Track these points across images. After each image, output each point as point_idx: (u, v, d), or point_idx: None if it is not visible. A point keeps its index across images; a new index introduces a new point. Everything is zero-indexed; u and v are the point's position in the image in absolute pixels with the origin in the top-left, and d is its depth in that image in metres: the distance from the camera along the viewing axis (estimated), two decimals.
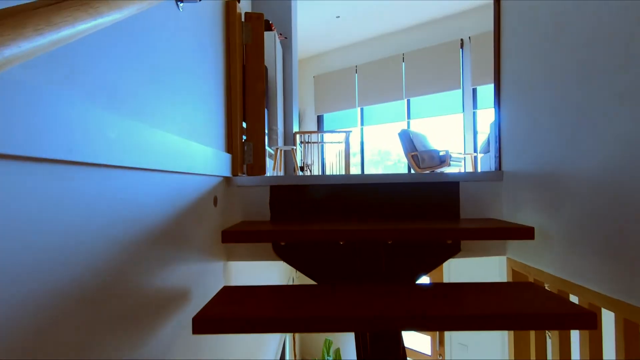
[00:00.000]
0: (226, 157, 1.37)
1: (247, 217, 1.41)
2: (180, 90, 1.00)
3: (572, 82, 0.99)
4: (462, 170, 6.30)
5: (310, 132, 5.04)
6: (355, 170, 8.10)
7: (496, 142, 1.45)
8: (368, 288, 1.11)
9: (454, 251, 1.35)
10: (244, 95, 1.54)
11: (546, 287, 1.17)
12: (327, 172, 6.86)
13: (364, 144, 8.04)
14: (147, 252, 0.80)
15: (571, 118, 0.99)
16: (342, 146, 5.30)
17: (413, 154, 5.55)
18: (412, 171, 6.08)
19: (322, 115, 8.53)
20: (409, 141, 5.66)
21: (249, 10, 4.63)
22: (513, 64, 1.38)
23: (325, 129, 8.50)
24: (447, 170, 5.89)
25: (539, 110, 1.17)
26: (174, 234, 0.93)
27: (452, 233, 1.16)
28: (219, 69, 1.37)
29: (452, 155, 5.38)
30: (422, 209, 1.40)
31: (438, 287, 1.15)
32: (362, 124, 7.98)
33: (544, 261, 1.17)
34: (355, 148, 8.18)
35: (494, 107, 1.50)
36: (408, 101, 7.28)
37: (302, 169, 5.17)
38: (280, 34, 4.72)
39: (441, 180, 1.41)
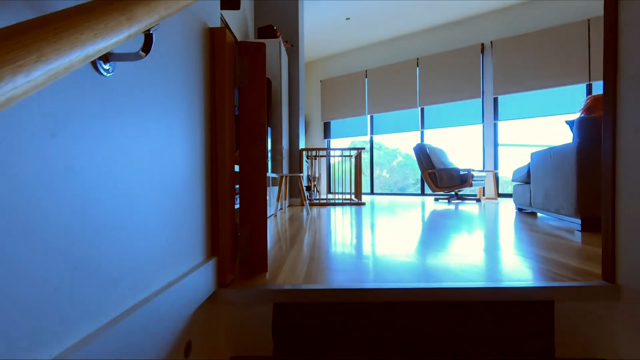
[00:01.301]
0: (208, 268, 0.92)
1: (240, 351, 0.96)
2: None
3: None
4: (483, 189, 5.79)
5: (318, 149, 4.56)
6: (365, 181, 7.64)
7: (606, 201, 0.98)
8: None
9: None
10: (239, 158, 1.09)
11: None
12: (336, 189, 6.41)
13: (373, 153, 7.55)
14: None
15: None
16: (352, 159, 4.82)
17: (430, 171, 5.06)
18: (427, 189, 5.59)
19: (330, 122, 8.04)
20: (425, 157, 5.17)
21: (251, 21, 4.16)
22: None
23: (332, 136, 8.02)
24: (467, 190, 5.39)
25: None
26: None
27: None
28: (198, 131, 0.92)
29: (474, 174, 4.89)
30: (493, 342, 0.94)
31: None
32: (372, 132, 7.49)
33: None
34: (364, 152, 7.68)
35: (604, 131, 1.01)
36: (422, 110, 6.77)
37: (308, 188, 4.71)
38: (286, 42, 4.23)
39: (525, 298, 0.95)
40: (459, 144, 6.72)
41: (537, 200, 2.69)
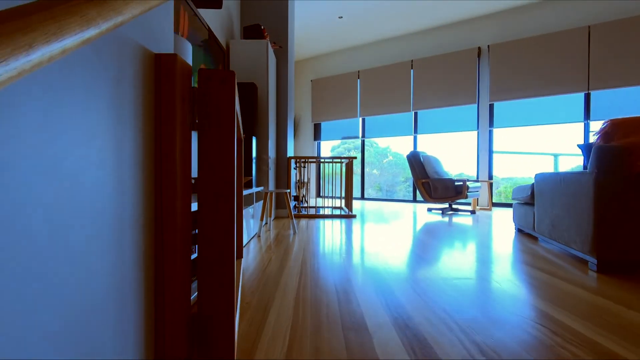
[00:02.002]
0: None
1: None
2: None
3: None
4: (477, 199, 5.62)
5: (307, 158, 4.30)
6: (355, 180, 7.43)
7: None
8: None
9: None
10: (197, 232, 0.83)
11: None
12: (326, 192, 6.17)
13: (365, 157, 7.33)
14: None
15: None
16: (343, 166, 4.58)
17: (424, 181, 4.85)
18: (419, 198, 5.39)
19: (320, 124, 7.77)
20: (419, 166, 4.95)
21: (237, 19, 3.84)
22: None
23: (323, 138, 7.75)
24: (463, 201, 5.20)
25: None
26: None
27: None
28: (130, 192, 0.65)
29: (470, 184, 4.70)
30: None
31: None
32: (363, 135, 7.25)
33: None
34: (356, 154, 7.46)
35: None
36: (416, 114, 6.55)
37: (296, 198, 4.45)
38: (274, 43, 3.94)
39: None
40: (453, 150, 6.54)
41: (542, 227, 2.49)
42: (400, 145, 7.30)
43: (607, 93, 4.94)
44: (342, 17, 5.91)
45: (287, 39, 4.14)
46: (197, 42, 2.50)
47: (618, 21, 4.74)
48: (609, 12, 4.86)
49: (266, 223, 3.40)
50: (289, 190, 2.98)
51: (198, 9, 2.70)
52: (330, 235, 2.95)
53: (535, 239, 2.84)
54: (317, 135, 7.81)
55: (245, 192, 2.58)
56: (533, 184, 2.74)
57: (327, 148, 8.13)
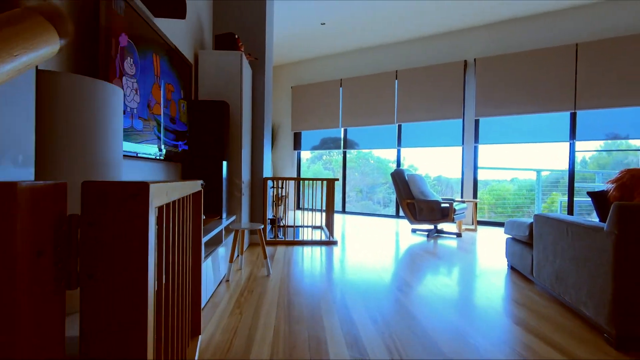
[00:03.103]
0: None
1: None
2: None
3: None
4: (465, 225, 5.43)
5: (285, 179, 3.96)
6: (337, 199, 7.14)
7: None
8: None
9: None
10: None
11: None
12: (306, 203, 5.85)
13: (347, 169, 7.04)
14: None
15: None
16: (324, 186, 4.27)
17: (409, 201, 4.60)
18: (407, 220, 5.17)
19: (300, 133, 7.43)
20: (404, 185, 4.71)
21: (209, 27, 3.43)
22: None
23: (303, 148, 7.41)
24: (448, 225, 5.00)
25: None
26: None
27: None
28: None
29: (456, 207, 4.48)
30: None
31: None
32: (345, 147, 6.96)
33: None
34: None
35: None
36: (399, 127, 6.32)
37: (272, 222, 4.09)
38: (249, 55, 3.57)
39: None
40: (437, 164, 6.34)
41: (543, 275, 2.26)
42: (383, 152, 6.98)
43: (592, 113, 4.85)
44: (324, 23, 5.59)
45: (265, 48, 3.78)
46: (158, 55, 2.12)
47: (606, 40, 4.65)
48: (598, 30, 4.76)
49: (238, 256, 3.04)
50: (262, 227, 2.63)
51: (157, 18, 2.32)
52: (309, 273, 2.62)
53: (530, 282, 2.62)
54: (297, 144, 7.46)
55: (213, 231, 2.22)
56: (532, 223, 2.52)
57: (307, 153, 7.81)
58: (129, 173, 1.93)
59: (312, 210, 4.45)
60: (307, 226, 5.04)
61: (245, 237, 3.53)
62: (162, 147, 2.19)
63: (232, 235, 2.89)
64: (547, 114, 5.07)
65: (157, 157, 2.13)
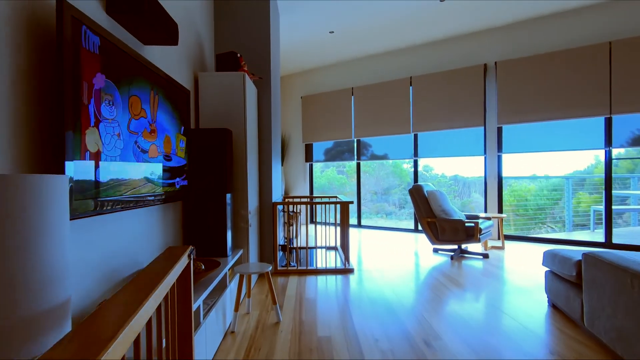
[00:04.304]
0: None
1: None
2: None
3: None
4: (490, 241, 5.04)
5: (297, 203, 3.70)
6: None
7: None
8: None
9: None
10: None
11: None
12: (319, 218, 5.58)
13: (361, 181, 6.74)
14: None
15: None
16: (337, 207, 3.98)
17: (430, 220, 4.28)
18: (429, 240, 4.84)
19: (312, 144, 7.17)
20: (423, 201, 4.38)
21: (210, 46, 3.15)
22: None
23: (315, 159, 7.15)
24: (473, 246, 4.64)
25: None
26: None
27: None
28: None
29: (481, 226, 4.13)
30: None
31: None
32: (359, 157, 6.67)
33: None
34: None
35: None
36: (416, 136, 5.99)
37: (283, 248, 3.84)
38: (253, 74, 3.33)
39: None
40: (454, 164, 5.97)
41: (599, 327, 1.92)
42: (397, 150, 6.52)
43: (631, 118, 4.42)
44: (333, 32, 5.33)
45: (270, 65, 3.54)
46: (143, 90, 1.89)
47: None
48: (633, 27, 4.34)
49: (244, 297, 2.79)
50: (270, 268, 2.37)
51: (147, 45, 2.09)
52: (324, 317, 2.34)
53: (578, 327, 2.27)
54: (308, 156, 7.20)
55: (213, 283, 1.97)
56: (579, 261, 2.18)
57: (319, 165, 7.55)
58: (115, 228, 1.70)
59: (325, 224, 4.16)
60: (321, 247, 4.77)
61: (252, 285, 3.29)
62: (157, 189, 1.96)
63: (237, 278, 2.64)
64: (578, 119, 4.66)
65: (151, 201, 1.90)
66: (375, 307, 2.64)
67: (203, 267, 1.95)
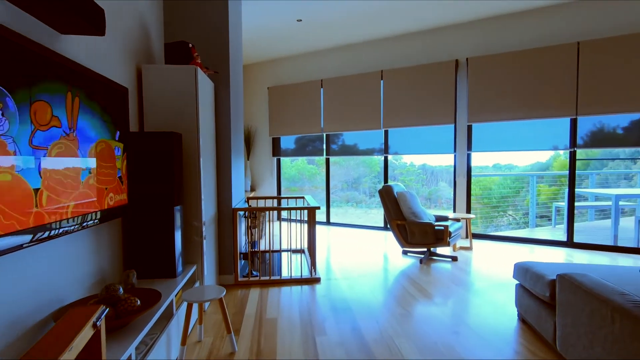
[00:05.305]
0: None
1: None
2: None
3: None
4: (459, 242, 5.01)
5: (259, 209, 3.42)
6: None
7: None
8: None
9: None
10: None
11: None
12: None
13: (332, 172, 6.53)
14: None
15: None
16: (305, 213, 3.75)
17: (399, 222, 4.14)
18: (399, 243, 4.73)
19: (279, 138, 6.85)
20: (393, 203, 4.24)
21: (159, 34, 2.66)
22: None
23: (282, 154, 6.85)
24: (441, 250, 4.56)
25: None
26: None
27: None
28: None
29: (451, 227, 4.05)
30: None
31: None
32: (328, 153, 6.43)
33: None
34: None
35: None
36: (386, 132, 5.82)
37: (245, 257, 3.56)
38: (207, 68, 2.97)
39: None
40: (425, 162, 5.91)
41: (574, 354, 1.82)
42: (369, 144, 6.35)
43: (593, 119, 4.46)
44: (301, 20, 4.98)
45: (229, 57, 3.18)
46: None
47: (611, 38, 4.22)
48: (602, 27, 4.32)
49: (196, 323, 2.52)
50: (223, 294, 2.10)
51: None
52: (285, 341, 2.11)
53: (549, 348, 2.19)
54: (275, 150, 6.88)
55: (157, 313, 1.69)
56: (554, 281, 2.07)
57: (288, 148, 7.27)
58: (22, 267, 1.37)
59: (293, 222, 3.89)
60: (287, 250, 4.53)
61: (204, 308, 3.00)
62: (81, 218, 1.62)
63: (185, 306, 2.34)
64: (546, 119, 4.65)
65: (77, 228, 1.57)
66: (341, 329, 2.45)
67: (139, 302, 1.66)
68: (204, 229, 2.72)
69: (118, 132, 2.04)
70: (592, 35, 4.37)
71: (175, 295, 2.13)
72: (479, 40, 5.03)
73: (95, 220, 1.76)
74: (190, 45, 2.72)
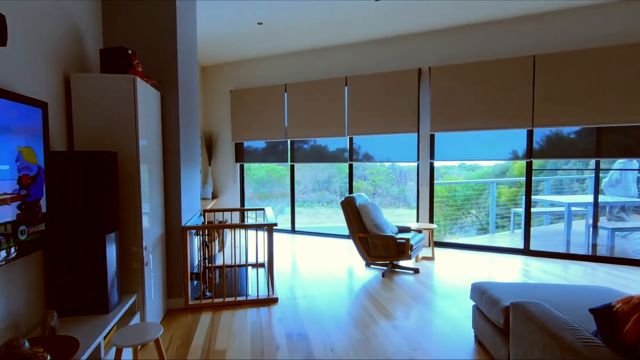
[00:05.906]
0: None
1: None
2: None
3: None
4: (421, 252, 4.99)
5: (214, 227, 3.20)
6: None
7: None
8: None
9: None
10: None
11: None
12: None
13: (295, 184, 6.37)
14: None
15: None
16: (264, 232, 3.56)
17: (362, 235, 4.06)
18: (361, 257, 4.64)
19: (242, 144, 6.60)
20: (355, 215, 4.15)
21: (94, 38, 2.34)
22: None
23: (246, 160, 6.60)
24: (404, 262, 4.51)
25: None
26: None
27: None
28: None
29: (412, 240, 4.02)
30: None
31: None
32: (292, 159, 6.27)
33: None
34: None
35: None
36: (351, 139, 5.75)
37: (197, 276, 3.34)
38: (148, 77, 2.73)
39: None
40: (392, 154, 5.87)
41: None
42: (338, 145, 6.25)
43: (549, 130, 4.59)
44: (262, 23, 4.78)
45: (177, 63, 2.95)
46: None
47: (566, 52, 4.35)
48: (558, 41, 4.45)
49: None
50: (160, 333, 1.89)
51: None
52: None
53: None
54: (238, 156, 6.63)
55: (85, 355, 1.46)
56: (508, 308, 2.03)
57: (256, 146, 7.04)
58: None
59: (256, 227, 3.68)
60: (246, 265, 4.33)
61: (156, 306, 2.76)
62: None
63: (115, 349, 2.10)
64: (505, 130, 4.74)
65: None
66: (297, 350, 2.31)
67: (49, 357, 1.43)
68: (146, 254, 2.49)
69: (30, 151, 1.78)
70: (548, 49, 4.49)
71: (104, 338, 1.90)
72: (442, 50, 5.05)
73: (16, 250, 1.51)
74: (130, 51, 2.47)
